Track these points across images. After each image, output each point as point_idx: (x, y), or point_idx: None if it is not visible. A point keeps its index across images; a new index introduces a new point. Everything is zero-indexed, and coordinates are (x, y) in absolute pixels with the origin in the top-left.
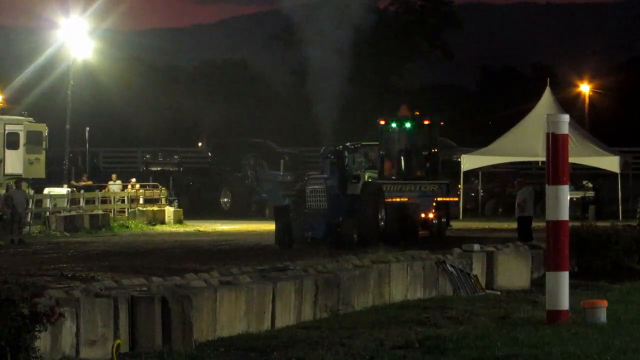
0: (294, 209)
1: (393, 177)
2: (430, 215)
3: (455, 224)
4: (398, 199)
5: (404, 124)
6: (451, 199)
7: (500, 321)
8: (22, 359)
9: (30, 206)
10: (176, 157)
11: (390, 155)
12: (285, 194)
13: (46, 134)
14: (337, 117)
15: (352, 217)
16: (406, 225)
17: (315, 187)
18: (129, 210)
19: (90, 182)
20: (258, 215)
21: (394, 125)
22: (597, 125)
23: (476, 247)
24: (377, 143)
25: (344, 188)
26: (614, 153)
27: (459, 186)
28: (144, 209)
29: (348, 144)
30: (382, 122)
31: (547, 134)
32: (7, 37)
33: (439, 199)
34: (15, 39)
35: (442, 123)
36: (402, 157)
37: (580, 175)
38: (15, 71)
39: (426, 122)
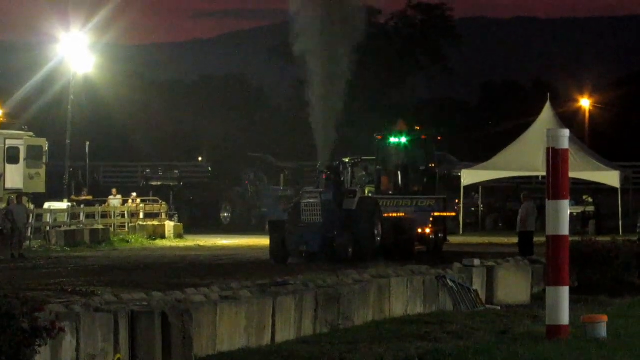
0: (289, 223)
1: (390, 192)
2: (427, 231)
3: (455, 239)
4: (395, 214)
5: (401, 139)
6: (448, 214)
7: (501, 336)
8: None
9: (30, 221)
10: (176, 171)
11: (387, 170)
12: (285, 208)
13: (46, 148)
14: (334, 132)
15: (348, 232)
16: (403, 240)
17: (310, 201)
18: (129, 224)
19: (90, 197)
20: (258, 229)
21: (390, 140)
22: (597, 140)
23: (476, 262)
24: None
25: (340, 203)
26: (614, 168)
27: (457, 201)
28: (144, 223)
29: (348, 158)
30: (379, 137)
31: (548, 149)
32: (8, 52)
33: (436, 214)
34: (16, 53)
35: (439, 138)
36: (399, 172)
37: (580, 190)
38: (15, 86)
39: (423, 137)
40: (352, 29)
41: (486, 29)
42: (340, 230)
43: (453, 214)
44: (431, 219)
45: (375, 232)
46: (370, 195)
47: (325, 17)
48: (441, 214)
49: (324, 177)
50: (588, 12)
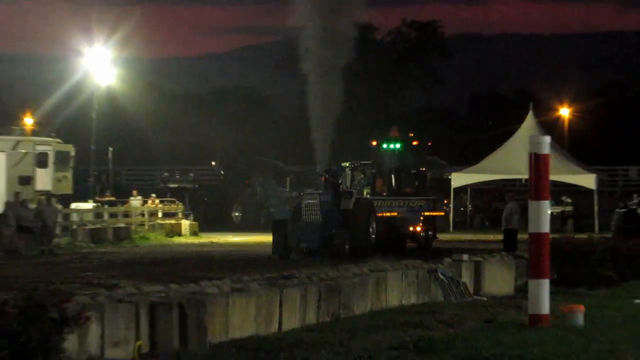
0: (290, 222)
1: (384, 194)
2: (418, 229)
3: (445, 236)
4: (388, 214)
5: (394, 145)
6: (437, 213)
7: (487, 324)
8: (52, 359)
9: (59, 219)
10: (191, 175)
11: (381, 174)
12: (290, 208)
13: (73, 153)
14: (331, 139)
15: (345, 230)
16: (395, 237)
17: (310, 201)
18: (149, 223)
19: (113, 198)
20: (266, 228)
21: (385, 145)
22: (576, 145)
23: (465, 257)
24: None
25: (337, 203)
26: (591, 171)
27: (446, 202)
28: (163, 222)
29: (347, 163)
30: (374, 143)
31: (530, 154)
32: (37, 65)
33: (426, 213)
34: (44, 66)
35: (429, 144)
36: (392, 175)
37: (559, 191)
38: (44, 96)
39: (415, 143)
40: (347, 46)
41: (474, 44)
42: (338, 228)
43: (442, 213)
44: (422, 218)
45: (370, 230)
46: (367, 196)
47: (322, 35)
48: (431, 213)
49: (323, 179)
50: (568, 30)
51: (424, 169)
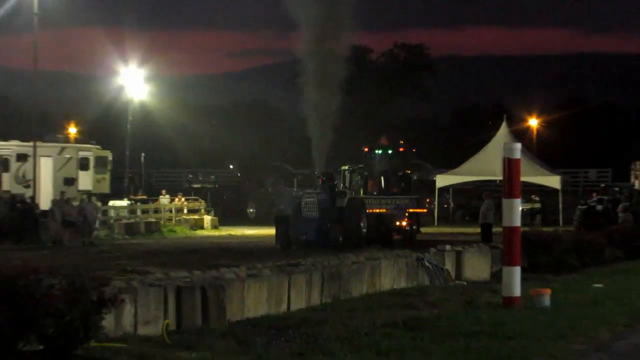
0: (292, 217)
1: (374, 193)
2: (404, 223)
3: (430, 229)
4: (378, 210)
5: (383, 151)
6: (421, 210)
7: (467, 305)
8: (92, 336)
9: (98, 215)
10: (212, 176)
11: (372, 176)
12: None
13: (110, 158)
14: (328, 146)
15: (339, 225)
16: (384, 231)
17: (309, 199)
18: (176, 218)
19: (145, 196)
20: None
21: (375, 151)
22: (543, 151)
23: (447, 247)
24: None
25: (333, 201)
26: (556, 173)
27: (428, 200)
28: (187, 217)
29: (347, 167)
30: (366, 149)
31: (504, 159)
32: (80, 83)
33: (411, 210)
34: (86, 84)
35: (414, 150)
36: (381, 177)
37: (529, 190)
38: (85, 109)
39: (401, 149)
40: (340, 67)
41: (457, 63)
42: (333, 223)
43: (425, 210)
44: (407, 214)
45: (361, 224)
46: (363, 195)
47: (319, 58)
48: (415, 210)
49: (320, 181)
50: (535, 51)
51: (409, 171)
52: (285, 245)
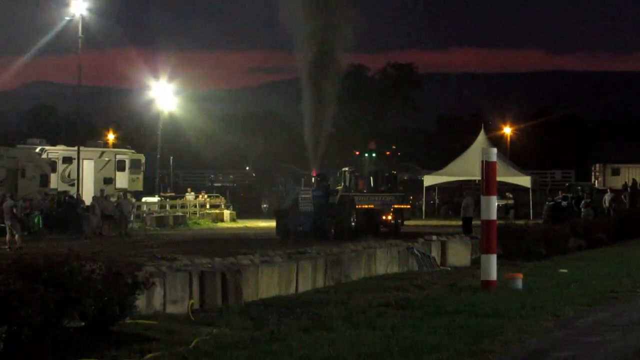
0: (290, 211)
1: (364, 191)
2: (389, 217)
3: (419, 222)
4: (366, 206)
5: (372, 154)
6: (405, 206)
7: (450, 287)
8: (127, 314)
9: (132, 210)
10: (231, 176)
11: (362, 176)
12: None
13: (143, 161)
14: (322, 151)
15: (332, 218)
16: (371, 224)
17: (305, 196)
18: (199, 212)
19: (173, 194)
20: None
21: (365, 155)
22: (515, 155)
23: (434, 237)
24: None
25: (326, 198)
26: (527, 174)
27: (411, 197)
28: (209, 211)
29: (347, 168)
30: (357, 153)
31: (482, 162)
32: (117, 95)
33: (396, 206)
34: (122, 96)
35: (399, 153)
36: (370, 177)
37: (504, 189)
38: (122, 119)
39: (387, 153)
40: (333, 85)
41: (441, 80)
42: (326, 217)
43: (408, 206)
44: (392, 209)
45: (351, 219)
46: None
47: (314, 76)
48: (399, 206)
49: (315, 180)
50: (509, 69)
51: (395, 172)
52: (284, 235)
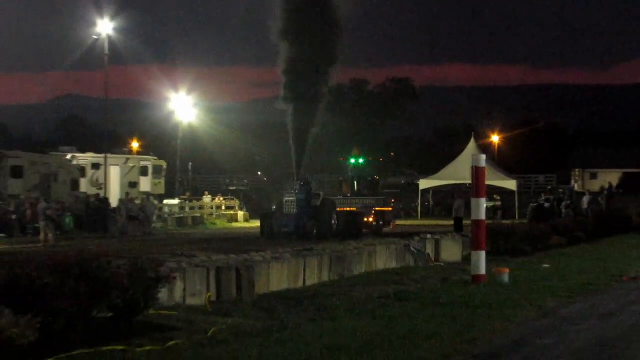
0: (276, 213)
1: (348, 195)
2: (371, 219)
3: (415, 222)
4: (349, 209)
5: (355, 160)
6: (386, 209)
7: (443, 281)
8: (150, 306)
9: (155, 211)
10: (245, 181)
11: (346, 180)
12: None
13: (165, 166)
14: (304, 159)
15: (314, 220)
16: (353, 225)
17: (290, 199)
18: (216, 213)
19: (191, 196)
20: None
21: (348, 161)
22: (502, 160)
23: (428, 236)
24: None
25: (309, 201)
26: (513, 178)
27: (392, 200)
28: (225, 212)
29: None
30: (341, 159)
31: (472, 167)
32: (140, 107)
33: (377, 208)
34: (145, 108)
35: (381, 159)
36: (354, 182)
37: (492, 192)
38: (145, 128)
39: (370, 159)
40: (351, 93)
41: (436, 93)
42: (309, 219)
43: (390, 208)
44: (373, 212)
45: (333, 221)
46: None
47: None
48: (381, 208)
49: (299, 184)
50: (499, 83)
51: (377, 177)
52: (269, 236)
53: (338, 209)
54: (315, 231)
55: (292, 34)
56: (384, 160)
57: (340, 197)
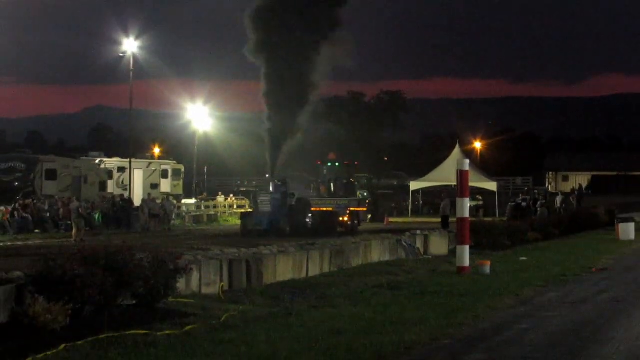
0: (252, 211)
1: (325, 195)
2: (345, 219)
3: (406, 219)
4: (324, 209)
5: (331, 164)
6: (361, 209)
7: (431, 272)
8: (170, 294)
9: (174, 209)
10: (254, 182)
11: (323, 182)
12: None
13: (183, 170)
14: (279, 160)
15: (288, 218)
16: (328, 224)
17: (264, 198)
18: (228, 211)
19: (207, 196)
20: None
21: (327, 164)
22: (484, 164)
23: (418, 232)
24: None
25: (284, 200)
26: (494, 180)
27: (368, 201)
28: (237, 211)
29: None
30: (319, 162)
31: (457, 170)
32: (161, 117)
33: (352, 209)
34: (166, 118)
35: (356, 163)
36: (330, 183)
37: (475, 192)
38: (165, 136)
39: (345, 163)
40: (349, 103)
41: (426, 104)
42: (284, 217)
43: (365, 208)
44: (347, 212)
45: (307, 219)
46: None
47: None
48: (355, 209)
49: (273, 184)
50: (481, 95)
51: (352, 179)
52: (245, 234)
53: (313, 209)
54: (288, 229)
55: (269, 48)
56: (378, 164)
57: (316, 197)
